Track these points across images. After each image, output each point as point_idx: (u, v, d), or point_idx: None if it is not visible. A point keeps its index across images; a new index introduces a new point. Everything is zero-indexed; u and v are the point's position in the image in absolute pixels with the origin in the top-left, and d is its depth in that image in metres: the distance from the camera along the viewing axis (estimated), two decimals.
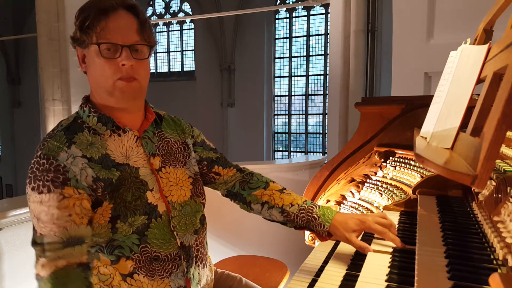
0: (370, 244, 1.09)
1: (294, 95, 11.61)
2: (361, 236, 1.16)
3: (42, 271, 0.86)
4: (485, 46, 0.95)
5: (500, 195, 0.80)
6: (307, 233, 1.69)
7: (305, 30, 11.28)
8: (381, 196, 1.59)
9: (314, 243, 1.68)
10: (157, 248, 1.03)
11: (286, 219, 1.19)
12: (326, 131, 7.81)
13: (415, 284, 0.69)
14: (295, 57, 11.52)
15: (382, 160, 1.71)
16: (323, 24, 10.93)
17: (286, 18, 11.48)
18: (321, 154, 11.13)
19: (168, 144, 1.14)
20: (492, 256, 0.75)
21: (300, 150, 11.65)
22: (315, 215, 1.15)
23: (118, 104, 1.02)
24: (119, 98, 1.00)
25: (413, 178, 1.52)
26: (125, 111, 1.05)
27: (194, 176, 1.17)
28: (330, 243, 1.26)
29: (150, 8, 12.61)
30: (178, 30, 12.48)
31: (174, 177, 1.11)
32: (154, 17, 12.54)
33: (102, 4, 0.96)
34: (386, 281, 0.86)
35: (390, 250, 1.05)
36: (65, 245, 0.88)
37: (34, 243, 0.90)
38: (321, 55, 11.17)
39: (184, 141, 1.19)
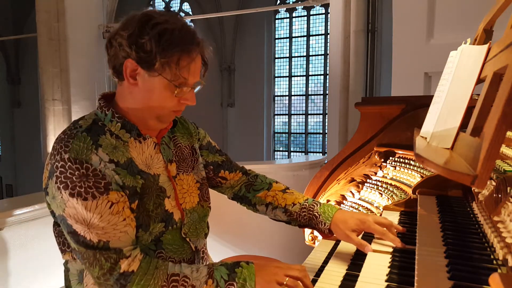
0: (370, 244, 1.09)
1: (294, 95, 11.60)
2: (361, 235, 1.16)
3: (131, 266, 0.89)
4: (485, 46, 0.95)
5: (500, 195, 0.80)
6: (307, 233, 1.69)
7: (305, 30, 11.28)
8: (381, 196, 1.59)
9: (314, 243, 1.68)
10: (172, 254, 1.05)
11: (289, 218, 1.21)
12: (326, 131, 7.80)
13: (415, 284, 0.69)
14: (295, 57, 11.51)
15: (382, 160, 1.70)
16: (323, 24, 10.92)
17: (286, 18, 11.47)
18: (321, 154, 11.13)
19: (181, 149, 1.15)
20: (492, 256, 0.75)
21: (300, 150, 11.64)
22: (316, 213, 1.17)
23: (157, 127, 1.04)
24: (163, 124, 1.03)
25: (413, 178, 1.52)
26: (149, 128, 1.04)
27: (201, 181, 1.18)
28: (330, 243, 1.26)
29: (150, 8, 12.62)
30: None
31: (186, 184, 1.12)
32: None
33: (190, 45, 0.94)
34: (386, 281, 0.86)
35: (390, 250, 1.05)
36: (134, 246, 0.93)
37: (92, 247, 0.89)
38: (321, 55, 11.16)
39: (192, 145, 1.19)
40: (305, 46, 11.35)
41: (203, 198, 1.16)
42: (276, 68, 11.71)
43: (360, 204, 1.65)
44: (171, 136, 1.14)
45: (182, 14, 11.94)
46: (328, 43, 7.15)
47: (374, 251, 1.05)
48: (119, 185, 0.93)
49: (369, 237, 1.17)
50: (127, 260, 0.90)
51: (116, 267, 0.89)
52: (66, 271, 1.07)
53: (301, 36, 11.39)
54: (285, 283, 0.91)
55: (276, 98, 11.77)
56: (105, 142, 0.94)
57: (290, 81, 11.58)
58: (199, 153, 1.21)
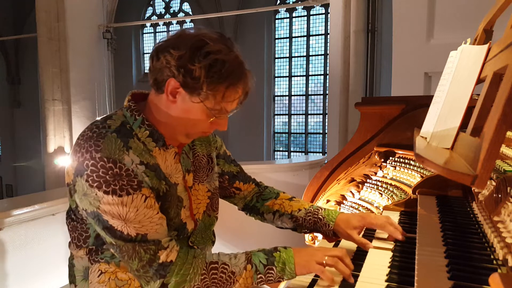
0: (370, 242, 1.09)
1: (294, 95, 11.60)
2: (361, 234, 1.17)
3: (169, 257, 0.91)
4: (485, 46, 0.95)
5: (500, 195, 0.80)
6: (306, 234, 1.69)
7: (305, 30, 11.27)
8: (381, 196, 1.59)
9: (314, 243, 1.68)
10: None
11: (295, 224, 1.23)
12: (326, 131, 7.80)
13: (415, 284, 0.69)
14: (295, 57, 11.50)
15: (382, 160, 1.70)
16: (323, 24, 10.92)
17: (286, 18, 11.46)
18: (321, 154, 11.12)
19: (198, 159, 1.15)
20: (492, 256, 0.75)
21: (300, 150, 11.64)
22: (321, 216, 1.19)
23: (184, 141, 1.05)
24: (189, 140, 1.05)
25: (413, 178, 1.52)
26: (175, 140, 1.04)
27: (213, 190, 1.18)
28: (330, 244, 1.26)
29: (150, 8, 12.61)
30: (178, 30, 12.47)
31: (201, 195, 1.13)
32: (154, 17, 12.55)
33: (238, 80, 0.94)
34: (386, 281, 0.86)
35: (391, 247, 1.05)
36: (170, 238, 0.94)
37: (131, 240, 0.90)
38: (321, 55, 11.15)
39: (209, 154, 1.19)
40: (305, 46, 11.34)
41: (212, 208, 1.16)
42: (276, 68, 11.70)
43: (360, 204, 1.65)
44: (191, 145, 1.14)
45: (182, 14, 11.95)
46: (328, 43, 7.15)
47: (375, 247, 1.06)
48: (148, 185, 0.94)
49: (369, 236, 1.17)
50: (166, 251, 0.91)
51: (155, 258, 0.90)
52: (71, 266, 1.07)
53: (301, 36, 11.38)
54: (324, 262, 0.92)
55: (276, 98, 11.76)
56: (134, 145, 0.93)
57: (290, 81, 11.58)
58: (215, 162, 1.22)
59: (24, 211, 2.17)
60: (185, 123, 0.97)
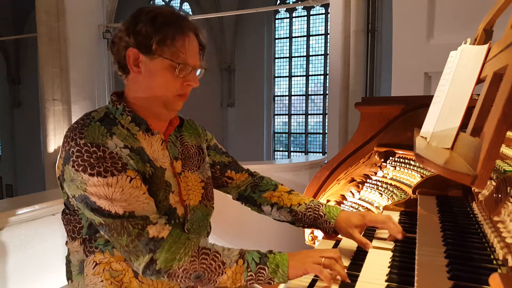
0: (370, 242, 1.09)
1: (294, 95, 11.60)
2: (362, 233, 1.17)
3: (161, 233, 0.92)
4: (485, 46, 0.95)
5: (500, 195, 0.80)
6: (307, 233, 1.70)
7: (305, 30, 11.27)
8: (381, 196, 1.59)
9: (314, 243, 1.68)
10: None
11: (294, 219, 1.22)
12: (326, 131, 7.80)
13: (415, 284, 0.69)
14: (295, 57, 11.50)
15: (382, 160, 1.71)
16: (323, 24, 10.92)
17: (286, 18, 11.47)
18: (321, 154, 11.13)
19: (187, 148, 1.17)
20: (492, 256, 0.75)
21: (300, 150, 11.64)
22: (321, 213, 1.18)
23: (166, 116, 1.08)
24: (170, 111, 1.07)
25: (413, 178, 1.52)
26: (159, 119, 1.08)
27: (206, 180, 1.19)
28: (330, 244, 1.26)
29: None
30: None
31: (191, 182, 1.14)
32: None
33: (182, 24, 1.01)
34: (386, 281, 0.86)
35: (391, 247, 1.05)
36: (159, 216, 0.96)
37: (119, 217, 0.91)
38: (321, 55, 11.16)
39: (199, 145, 1.21)
40: (305, 46, 11.34)
41: (206, 198, 1.17)
42: (276, 68, 11.70)
43: (360, 204, 1.65)
44: (178, 135, 1.16)
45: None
46: (328, 43, 7.15)
47: (374, 247, 1.06)
48: (133, 168, 0.96)
49: (369, 236, 1.17)
50: (155, 227, 0.92)
51: (144, 232, 0.91)
52: (68, 263, 1.09)
53: (301, 36, 11.38)
54: (321, 262, 0.91)
55: (276, 98, 11.76)
56: (117, 131, 0.97)
57: (290, 81, 11.58)
58: (206, 152, 1.23)
59: (24, 211, 2.17)
60: (156, 88, 1.01)
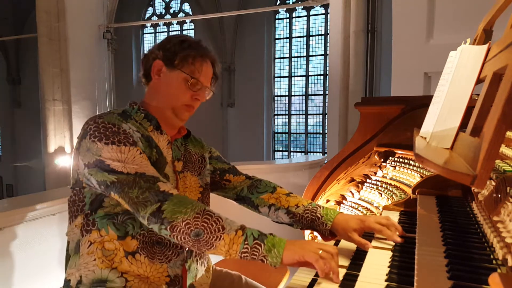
0: (370, 242, 1.09)
1: (294, 95, 11.60)
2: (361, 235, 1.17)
3: (171, 190, 1.00)
4: (485, 46, 0.95)
5: (499, 195, 0.80)
6: (306, 233, 1.70)
7: (305, 30, 11.27)
8: (381, 196, 1.59)
9: None
10: (171, 242, 1.11)
11: (292, 220, 1.23)
12: (326, 131, 7.80)
13: (415, 284, 0.69)
14: (295, 57, 11.51)
15: (382, 160, 1.71)
16: (323, 24, 10.92)
17: (286, 18, 11.47)
18: (321, 154, 11.13)
19: (190, 154, 1.28)
20: (491, 256, 0.75)
21: (300, 150, 11.64)
22: (319, 215, 1.19)
23: (174, 122, 1.21)
24: (178, 118, 1.21)
25: (412, 178, 1.52)
26: (168, 123, 1.21)
27: (204, 186, 1.28)
28: (330, 244, 1.26)
29: (150, 8, 12.61)
30: (178, 30, 12.46)
31: (189, 182, 1.23)
32: (155, 18, 12.55)
33: (204, 51, 1.21)
34: (386, 280, 0.86)
35: (390, 247, 1.05)
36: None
37: (131, 174, 1.00)
38: (321, 55, 11.16)
39: (202, 154, 1.32)
40: (305, 46, 11.34)
41: (203, 202, 1.23)
42: (276, 68, 11.71)
43: (360, 204, 1.65)
44: (183, 143, 1.28)
45: (182, 14, 11.95)
46: (328, 44, 7.15)
47: (374, 247, 1.06)
48: (142, 149, 1.07)
49: (369, 236, 1.17)
50: (165, 184, 1.00)
51: (155, 186, 0.99)
52: (67, 252, 1.15)
53: (301, 36, 11.39)
54: (319, 253, 0.90)
55: (276, 98, 11.77)
56: (131, 122, 1.12)
57: (290, 81, 11.58)
58: (207, 161, 1.33)
59: (24, 211, 2.17)
60: (169, 96, 1.18)
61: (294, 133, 11.71)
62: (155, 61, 1.18)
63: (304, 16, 11.24)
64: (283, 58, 11.64)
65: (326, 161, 2.66)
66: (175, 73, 1.16)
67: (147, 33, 12.81)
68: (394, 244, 1.08)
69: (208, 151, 1.37)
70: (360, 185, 1.72)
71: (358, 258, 1.06)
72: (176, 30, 12.49)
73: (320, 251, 0.92)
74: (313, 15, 11.10)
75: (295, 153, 11.67)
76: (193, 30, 11.97)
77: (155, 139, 1.15)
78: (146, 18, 12.54)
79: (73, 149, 1.15)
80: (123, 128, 1.06)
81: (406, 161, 1.62)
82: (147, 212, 0.95)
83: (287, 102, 11.67)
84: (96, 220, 1.08)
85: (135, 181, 0.99)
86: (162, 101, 1.19)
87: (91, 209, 1.09)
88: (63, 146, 6.61)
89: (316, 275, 1.01)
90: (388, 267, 0.93)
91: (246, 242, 0.92)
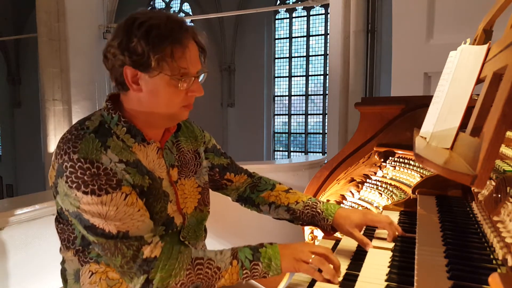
0: (370, 241, 1.09)
1: (294, 95, 11.60)
2: (362, 231, 1.17)
3: (153, 252, 0.91)
4: (485, 46, 0.95)
5: (499, 195, 0.80)
6: (306, 233, 1.70)
7: (305, 30, 11.27)
8: (381, 196, 1.59)
9: (314, 243, 1.68)
10: None
11: (292, 217, 1.22)
12: (326, 131, 7.80)
13: (415, 284, 0.70)
14: (295, 57, 11.50)
15: (382, 160, 1.71)
16: (323, 24, 10.91)
17: (286, 18, 11.46)
18: (321, 154, 11.12)
19: (183, 154, 1.14)
20: (491, 256, 0.75)
21: (300, 150, 11.63)
22: (319, 210, 1.18)
23: (168, 126, 1.05)
24: (175, 122, 1.05)
25: (412, 178, 1.52)
26: (157, 128, 1.04)
27: (203, 185, 1.17)
28: (330, 243, 1.26)
29: (148, 8, 12.62)
30: None
31: (187, 189, 1.12)
32: None
33: (179, 34, 0.93)
34: (386, 280, 0.86)
35: (390, 247, 1.05)
36: (154, 233, 0.94)
37: (112, 237, 0.89)
38: (321, 55, 11.15)
39: (196, 149, 1.18)
40: (305, 46, 11.34)
41: (203, 203, 1.16)
42: (276, 68, 11.70)
43: (359, 204, 1.65)
44: (175, 141, 1.12)
45: (182, 14, 11.94)
46: (328, 43, 7.15)
47: (374, 247, 1.06)
48: (129, 183, 0.93)
49: (369, 236, 1.17)
50: (149, 247, 0.91)
51: (139, 254, 0.90)
52: (63, 270, 1.08)
53: (301, 36, 11.38)
54: (310, 260, 0.92)
55: (276, 98, 11.76)
56: (113, 144, 0.94)
57: (290, 81, 11.58)
58: (203, 157, 1.20)
59: (24, 211, 2.17)
60: (160, 105, 0.96)
61: (294, 133, 11.70)
62: (125, 68, 0.92)
63: (304, 16, 11.24)
64: (283, 58, 11.63)
65: (326, 161, 2.66)
66: (156, 78, 0.92)
67: None
68: (394, 244, 1.08)
69: (203, 142, 1.22)
70: (360, 185, 1.72)
71: (358, 258, 1.06)
72: None
73: (313, 256, 0.93)
74: (313, 15, 11.10)
75: (295, 153, 11.66)
76: None
77: (142, 156, 0.99)
78: None
79: (48, 173, 0.96)
80: (103, 166, 0.89)
81: (406, 161, 1.62)
82: (136, 285, 0.90)
83: (287, 102, 11.67)
84: (92, 256, 1.00)
85: (116, 247, 0.89)
86: (151, 111, 0.98)
87: (83, 245, 1.00)
88: None
89: None
90: (388, 267, 0.93)
91: (244, 268, 0.93)
